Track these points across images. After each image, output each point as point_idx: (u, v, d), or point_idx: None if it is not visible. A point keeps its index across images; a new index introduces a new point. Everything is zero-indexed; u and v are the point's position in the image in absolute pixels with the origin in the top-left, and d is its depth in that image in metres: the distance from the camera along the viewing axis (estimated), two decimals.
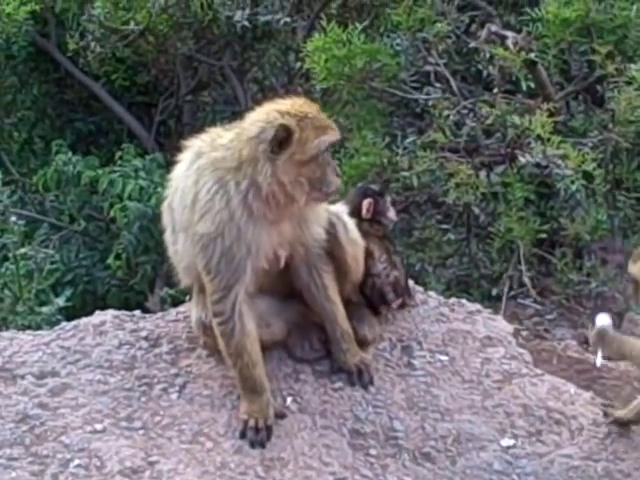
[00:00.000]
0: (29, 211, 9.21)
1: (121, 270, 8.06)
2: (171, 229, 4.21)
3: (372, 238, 4.49)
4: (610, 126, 6.04)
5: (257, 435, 3.99)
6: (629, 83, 5.98)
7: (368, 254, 4.42)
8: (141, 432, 3.97)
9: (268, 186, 3.91)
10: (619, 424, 4.37)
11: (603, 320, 4.78)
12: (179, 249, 4.16)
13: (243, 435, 4.00)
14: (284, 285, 4.24)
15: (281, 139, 3.88)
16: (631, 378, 5.12)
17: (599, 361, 4.83)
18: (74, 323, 4.48)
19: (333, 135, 4.00)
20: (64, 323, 4.53)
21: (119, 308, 4.74)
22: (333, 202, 4.31)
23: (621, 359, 4.80)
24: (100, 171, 8.49)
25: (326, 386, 4.25)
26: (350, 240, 4.26)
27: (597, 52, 6.18)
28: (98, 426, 3.95)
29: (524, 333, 5.72)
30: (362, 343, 4.36)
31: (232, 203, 3.93)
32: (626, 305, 6.17)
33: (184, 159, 4.14)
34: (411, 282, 4.78)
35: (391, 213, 4.60)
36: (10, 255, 7.13)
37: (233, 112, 9.33)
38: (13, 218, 7.15)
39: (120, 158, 8.60)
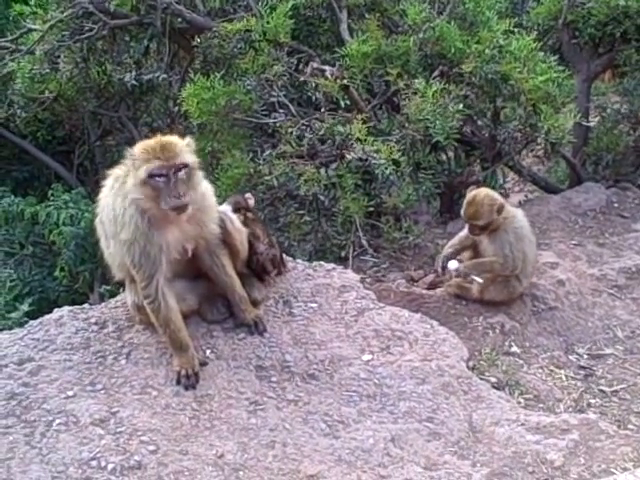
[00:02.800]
0: None
1: (65, 279, 7.88)
2: (104, 237, 4.15)
3: (257, 224, 4.54)
4: (406, 125, 6.12)
5: (188, 380, 4.00)
6: (415, 93, 6.08)
7: (255, 237, 4.46)
8: (102, 392, 3.94)
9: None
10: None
11: (454, 264, 5.09)
12: (112, 252, 4.11)
13: (178, 382, 4.00)
14: (193, 269, 4.23)
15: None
16: (446, 300, 5.31)
17: (480, 280, 5.11)
18: (39, 320, 4.39)
19: (154, 166, 3.75)
20: (31, 321, 4.42)
21: None
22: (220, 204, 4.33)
23: (483, 273, 5.12)
24: (38, 207, 8.26)
25: (233, 338, 4.29)
26: (236, 229, 4.29)
27: (390, 74, 6.28)
28: (70, 393, 3.91)
29: (368, 280, 5.82)
30: (255, 303, 4.41)
31: (135, 215, 3.89)
32: (435, 250, 6.34)
33: (107, 184, 4.07)
34: (284, 255, 4.87)
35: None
36: None
37: None
38: None
39: (52, 195, 8.36)
